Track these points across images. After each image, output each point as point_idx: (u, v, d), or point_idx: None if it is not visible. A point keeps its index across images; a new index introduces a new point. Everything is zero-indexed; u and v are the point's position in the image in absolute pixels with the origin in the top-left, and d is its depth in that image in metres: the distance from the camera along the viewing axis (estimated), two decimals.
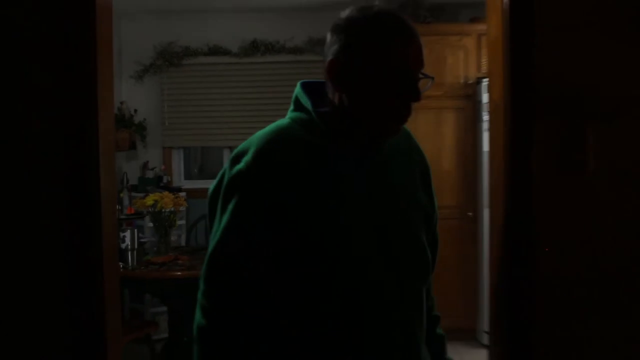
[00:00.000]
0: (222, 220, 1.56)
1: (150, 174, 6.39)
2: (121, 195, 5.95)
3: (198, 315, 1.58)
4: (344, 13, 1.58)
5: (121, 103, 6.30)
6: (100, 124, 2.13)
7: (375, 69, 1.51)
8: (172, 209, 5.01)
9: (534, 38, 2.15)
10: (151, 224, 5.33)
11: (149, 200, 4.97)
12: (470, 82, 5.83)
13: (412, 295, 1.66)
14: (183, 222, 6.19)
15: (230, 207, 1.55)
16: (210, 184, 1.67)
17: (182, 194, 5.80)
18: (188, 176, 7.02)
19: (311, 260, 1.52)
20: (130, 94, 6.47)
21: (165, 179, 6.41)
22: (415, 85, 1.53)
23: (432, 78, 1.56)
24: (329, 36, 1.60)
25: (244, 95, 6.58)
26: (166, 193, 5.13)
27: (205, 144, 6.81)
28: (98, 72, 2.13)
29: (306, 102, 1.62)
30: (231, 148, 6.83)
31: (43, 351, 2.14)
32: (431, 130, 5.85)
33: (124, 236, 4.73)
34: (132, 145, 6.35)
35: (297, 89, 1.67)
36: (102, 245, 2.13)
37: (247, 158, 1.55)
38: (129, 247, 4.74)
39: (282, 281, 1.53)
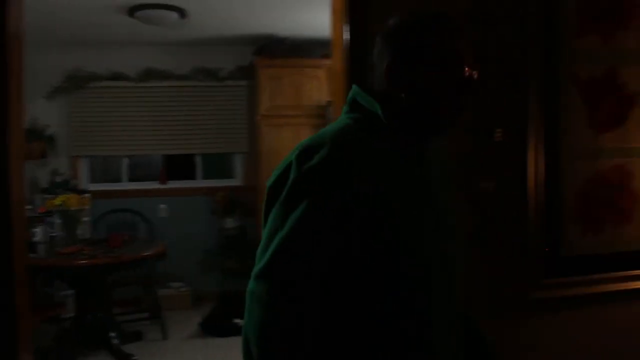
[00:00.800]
0: (291, 216, 1.25)
1: (59, 179, 6.12)
2: (34, 197, 5.65)
3: (261, 313, 1.24)
4: (393, 21, 1.38)
5: (35, 119, 6.00)
6: (11, 137, 2.03)
7: (434, 66, 1.32)
8: (78, 208, 4.85)
9: (367, 71, 2.21)
10: (60, 221, 5.10)
11: (57, 200, 4.79)
12: (322, 104, 5.90)
13: (460, 285, 1.45)
14: (88, 218, 5.95)
15: (303, 202, 1.24)
16: (268, 179, 1.35)
17: (87, 194, 5.57)
18: (93, 180, 6.75)
19: (384, 252, 1.27)
20: (43, 111, 6.13)
21: (72, 183, 6.15)
22: (469, 77, 1.34)
23: (479, 66, 1.37)
24: (379, 44, 1.39)
25: (141, 113, 6.42)
26: (72, 194, 4.97)
27: (108, 153, 6.58)
28: (9, 94, 2.03)
29: (371, 102, 1.37)
30: (129, 157, 6.65)
31: None
32: (291, 143, 5.79)
33: (36, 231, 4.53)
34: (44, 155, 6.06)
35: (355, 91, 1.42)
36: (13, 238, 2.03)
37: (321, 154, 1.26)
38: (41, 240, 4.55)
39: (352, 275, 1.26)
